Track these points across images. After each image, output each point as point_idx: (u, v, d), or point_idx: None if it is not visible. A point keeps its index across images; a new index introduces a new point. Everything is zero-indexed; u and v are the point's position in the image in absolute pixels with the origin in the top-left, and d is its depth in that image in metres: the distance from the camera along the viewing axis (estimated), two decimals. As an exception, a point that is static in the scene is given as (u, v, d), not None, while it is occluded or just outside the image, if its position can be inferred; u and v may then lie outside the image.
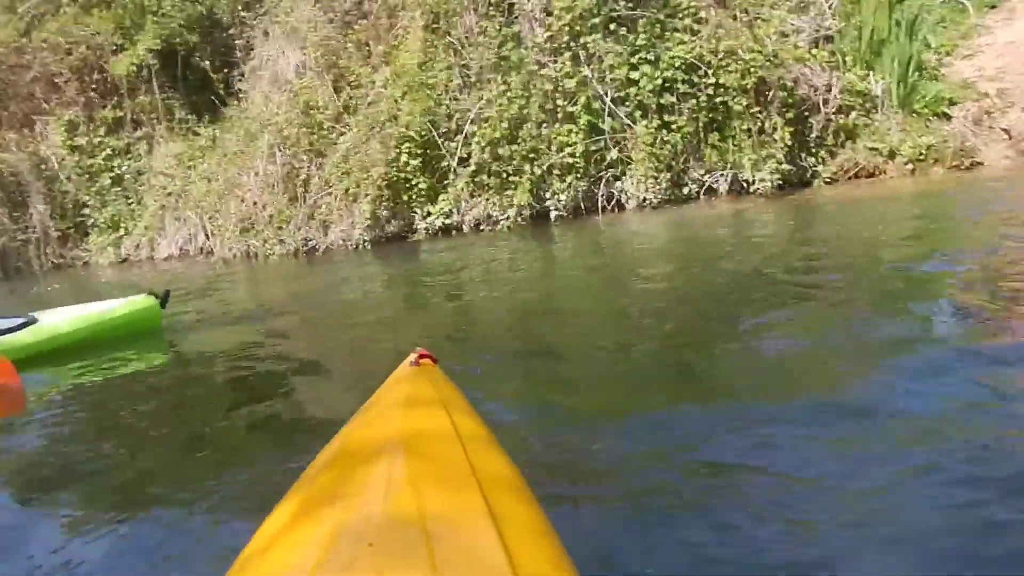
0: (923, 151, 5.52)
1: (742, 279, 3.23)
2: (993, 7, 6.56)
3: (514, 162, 5.74)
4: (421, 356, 1.38)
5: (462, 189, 5.76)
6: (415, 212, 5.95)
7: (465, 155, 5.77)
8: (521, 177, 5.73)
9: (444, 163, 5.84)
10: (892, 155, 5.60)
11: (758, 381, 1.90)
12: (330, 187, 6.11)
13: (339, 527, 0.70)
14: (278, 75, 7.07)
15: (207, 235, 7.05)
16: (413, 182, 5.85)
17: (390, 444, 0.92)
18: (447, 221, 5.85)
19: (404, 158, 5.81)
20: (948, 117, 5.68)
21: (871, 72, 5.80)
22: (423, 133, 5.73)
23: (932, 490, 1.24)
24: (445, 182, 5.87)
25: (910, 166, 5.54)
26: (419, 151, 5.84)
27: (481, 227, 5.90)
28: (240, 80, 7.85)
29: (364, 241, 5.90)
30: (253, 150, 6.76)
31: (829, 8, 6.04)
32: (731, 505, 1.30)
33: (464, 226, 5.89)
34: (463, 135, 5.73)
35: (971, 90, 5.78)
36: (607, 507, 1.36)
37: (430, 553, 0.63)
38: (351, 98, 6.45)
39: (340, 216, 6.00)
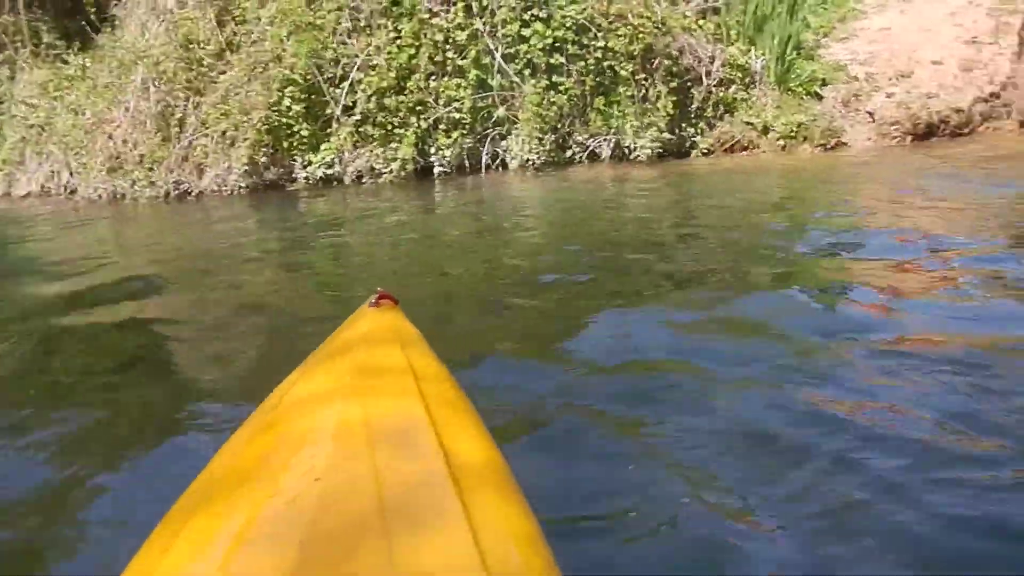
0: (794, 128, 5.92)
1: (614, 242, 3.50)
2: (871, -7, 7.04)
3: (400, 114, 5.79)
4: (381, 297, 1.34)
5: (345, 139, 5.78)
6: (295, 160, 5.92)
7: (350, 103, 5.77)
8: (407, 130, 5.80)
9: (328, 111, 5.82)
10: (766, 131, 5.99)
11: (599, 347, 2.05)
12: (207, 128, 5.98)
13: (283, 465, 0.71)
14: (157, 3, 6.79)
15: (71, 173, 6.76)
16: (295, 128, 5.81)
17: (343, 386, 0.91)
18: (328, 171, 5.85)
19: (287, 102, 5.75)
20: (820, 97, 6.12)
21: (752, 48, 6.14)
22: (307, 77, 5.69)
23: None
24: (328, 131, 5.86)
25: (781, 142, 5.94)
26: (303, 96, 5.79)
27: (363, 179, 5.94)
28: (115, 5, 7.49)
29: (240, 187, 5.84)
30: (125, 83, 6.50)
31: (718, -19, 6.35)
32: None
33: (346, 178, 5.92)
34: (349, 82, 5.72)
35: (843, 72, 6.24)
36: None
37: (379, 489, 0.63)
38: (235, 34, 6.28)
39: (216, 160, 5.90)
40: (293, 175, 5.97)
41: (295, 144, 5.89)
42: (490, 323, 2.43)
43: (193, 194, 5.99)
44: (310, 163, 5.89)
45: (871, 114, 6.02)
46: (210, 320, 2.70)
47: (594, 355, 1.97)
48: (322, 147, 5.86)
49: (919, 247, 2.93)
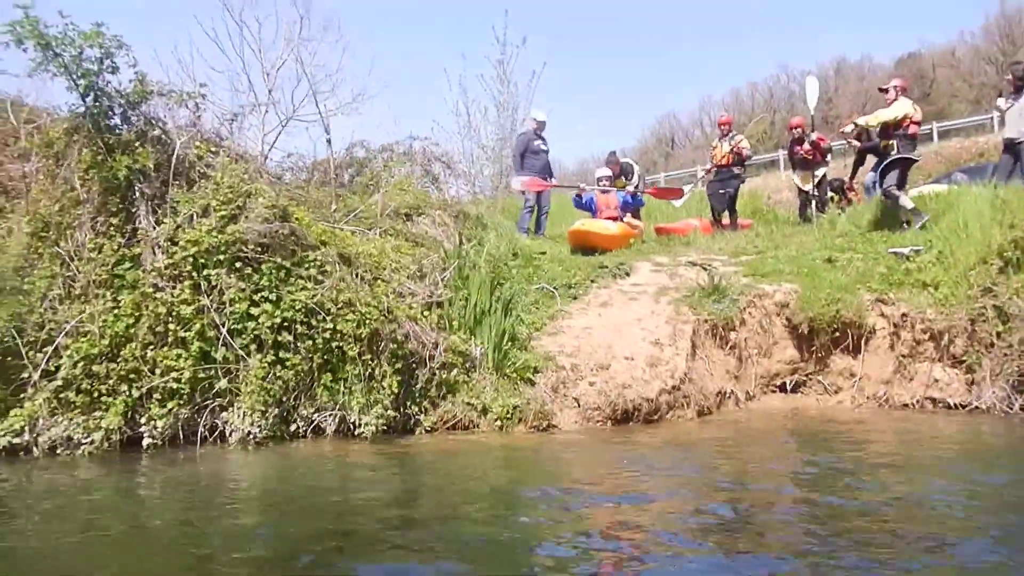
0: (510, 410, 6.54)
1: (335, 525, 3.62)
2: (575, 298, 8.39)
3: (110, 381, 5.67)
4: None
5: (41, 405, 5.48)
6: (-27, 428, 5.45)
7: (53, 368, 5.58)
8: (115, 398, 5.65)
9: (25, 374, 5.56)
10: (485, 411, 6.54)
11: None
12: None
13: None
14: None
15: None
16: (-21, 393, 5.45)
17: None
18: (15, 440, 5.42)
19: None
20: (532, 383, 6.89)
21: (473, 337, 6.92)
22: (4, 341, 5.49)
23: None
24: (21, 395, 5.55)
25: (499, 422, 6.49)
26: (-3, 359, 5.53)
27: (58, 450, 5.56)
28: None
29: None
30: None
31: (442, 281, 7.28)
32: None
33: (36, 448, 5.50)
34: (54, 347, 5.59)
35: (552, 362, 7.14)
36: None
37: None
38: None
39: None
40: (-32, 445, 5.44)
41: (-24, 410, 5.47)
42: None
43: None
44: (-5, 430, 5.43)
45: (577, 400, 6.83)
46: None
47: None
48: (12, 412, 5.48)
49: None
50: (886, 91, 9.95)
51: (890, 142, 9.76)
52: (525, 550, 3.05)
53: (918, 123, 9.90)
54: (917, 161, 10.20)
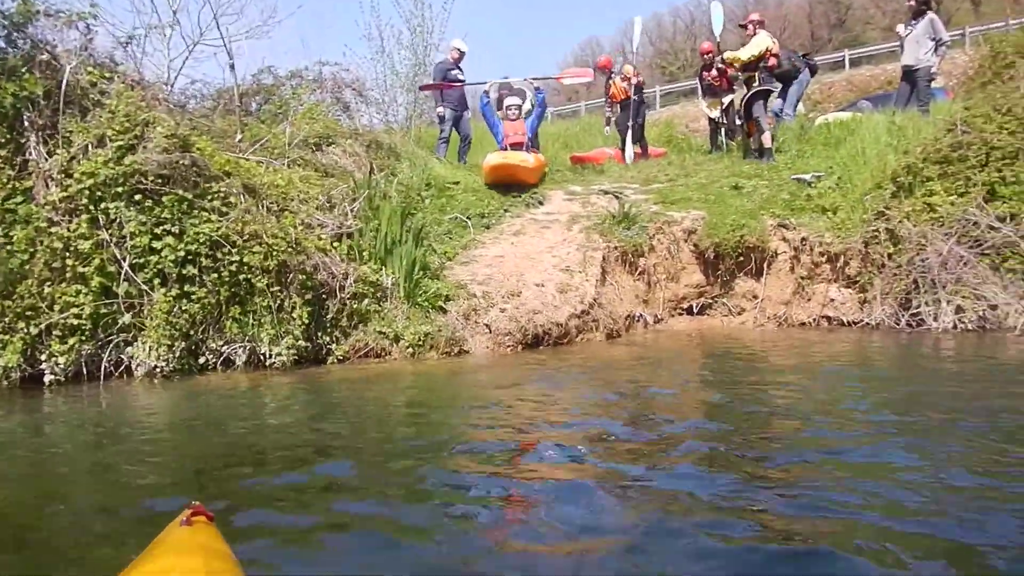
0: (422, 337, 6.77)
1: (245, 449, 3.77)
2: (488, 228, 8.62)
3: (6, 319, 5.63)
4: (194, 513, 1.26)
5: (-68, 345, 5.43)
6: None
7: (-56, 307, 5.51)
8: (12, 336, 5.63)
9: (-86, 315, 5.48)
10: (397, 339, 6.76)
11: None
12: None
13: None
14: None
15: None
16: None
17: None
18: (-93, 381, 5.38)
19: None
20: (444, 311, 7.13)
21: (384, 267, 7.07)
22: None
23: None
24: (-88, 337, 5.48)
25: (411, 350, 6.73)
26: None
27: (-46, 390, 5.53)
28: None
29: None
30: None
31: (352, 212, 7.36)
32: None
33: (-70, 388, 5.47)
34: (-57, 285, 5.51)
35: (464, 290, 7.38)
36: None
37: None
38: None
39: None
40: None
41: None
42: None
43: None
44: None
45: (488, 326, 7.11)
46: None
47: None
48: (-99, 354, 5.42)
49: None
50: (745, 27, 10.49)
51: (753, 75, 10.29)
52: (432, 468, 3.26)
53: (776, 55, 10.43)
54: (775, 92, 10.76)
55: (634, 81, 12.23)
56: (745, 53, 10.18)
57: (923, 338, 7.08)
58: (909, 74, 10.18)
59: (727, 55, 10.42)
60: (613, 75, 12.80)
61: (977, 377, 5.16)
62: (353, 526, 2.55)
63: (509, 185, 9.88)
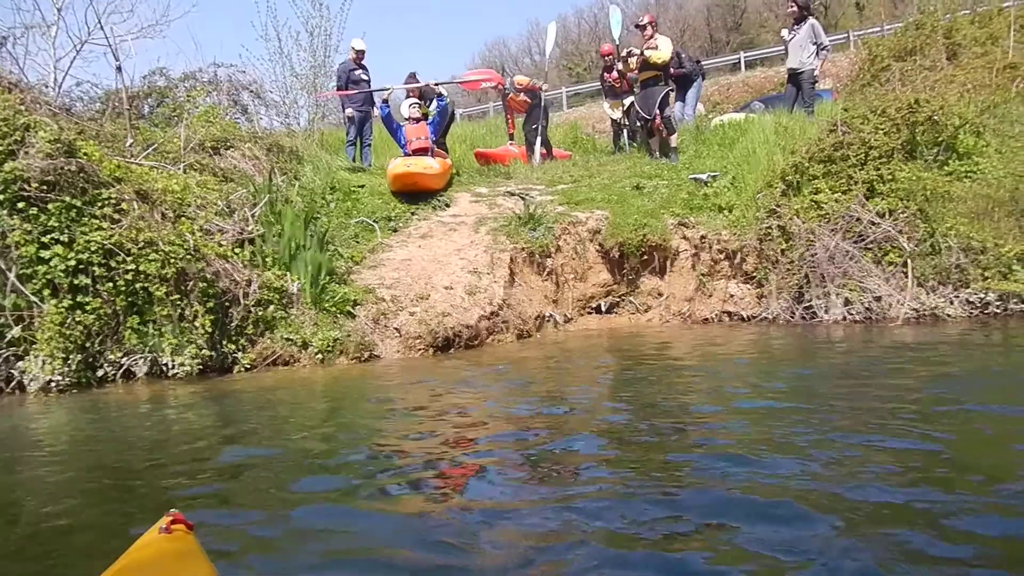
0: (331, 343, 6.77)
1: (147, 461, 3.72)
2: (395, 231, 8.68)
3: None
4: (174, 521, 1.23)
5: None
6: None
7: None
8: None
9: None
10: (305, 345, 6.74)
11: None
12: None
13: None
14: None
15: None
16: None
17: None
18: None
19: None
20: (353, 315, 7.15)
21: (288, 273, 7.04)
22: None
23: None
24: None
25: (320, 356, 6.72)
26: None
27: None
28: None
29: None
30: None
31: (253, 217, 7.29)
32: None
33: None
34: None
35: (372, 294, 7.42)
36: None
37: None
38: None
39: None
40: None
41: None
42: None
43: None
44: None
45: (398, 330, 7.18)
46: None
47: None
48: None
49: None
50: (644, 27, 10.73)
51: (658, 75, 10.63)
52: (344, 472, 3.32)
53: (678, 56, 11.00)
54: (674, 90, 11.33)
55: (534, 86, 12.46)
56: (664, 53, 10.41)
57: (816, 330, 7.55)
58: (794, 77, 10.80)
59: (652, 55, 10.45)
60: (507, 91, 12.93)
61: (863, 364, 5.59)
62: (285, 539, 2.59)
63: (415, 193, 9.93)
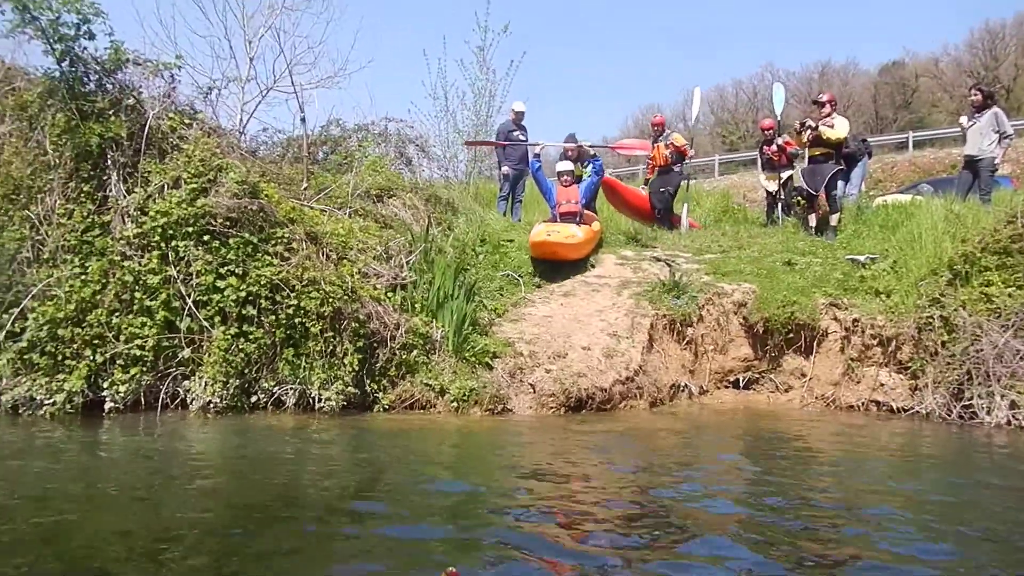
0: (467, 392, 6.89)
1: (293, 495, 3.90)
2: (539, 287, 8.77)
3: (74, 345, 5.94)
4: None
5: (4, 365, 5.75)
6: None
7: (18, 330, 5.84)
8: (79, 362, 5.92)
9: (-9, 335, 5.83)
10: (443, 392, 6.89)
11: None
12: None
13: None
14: None
15: None
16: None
17: None
18: (-22, 398, 5.70)
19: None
20: (490, 367, 7.25)
21: (434, 320, 7.26)
22: (-32, 301, 5.75)
23: None
24: (-14, 355, 5.81)
25: (455, 404, 6.85)
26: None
27: (20, 410, 5.83)
28: None
29: None
30: None
31: (407, 264, 7.61)
32: None
33: (-1, 407, 5.78)
34: (20, 308, 5.85)
35: (511, 348, 7.51)
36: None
37: None
38: None
39: None
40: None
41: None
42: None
43: None
44: (-43, 389, 5.70)
45: (533, 386, 7.21)
46: None
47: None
48: (-24, 372, 5.75)
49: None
50: (822, 104, 10.41)
51: (829, 151, 10.26)
52: (471, 530, 3.36)
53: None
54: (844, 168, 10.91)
55: (684, 149, 12.17)
56: (840, 132, 10.17)
57: (974, 432, 6.91)
58: (971, 163, 10.16)
59: (828, 133, 10.13)
60: (660, 139, 12.65)
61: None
62: None
63: (560, 262, 9.62)
